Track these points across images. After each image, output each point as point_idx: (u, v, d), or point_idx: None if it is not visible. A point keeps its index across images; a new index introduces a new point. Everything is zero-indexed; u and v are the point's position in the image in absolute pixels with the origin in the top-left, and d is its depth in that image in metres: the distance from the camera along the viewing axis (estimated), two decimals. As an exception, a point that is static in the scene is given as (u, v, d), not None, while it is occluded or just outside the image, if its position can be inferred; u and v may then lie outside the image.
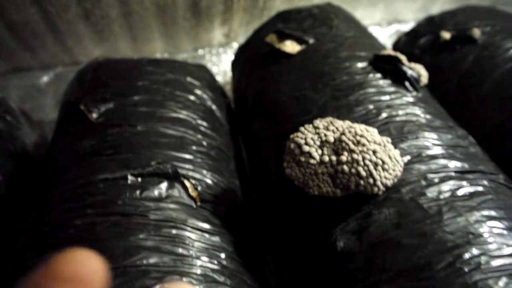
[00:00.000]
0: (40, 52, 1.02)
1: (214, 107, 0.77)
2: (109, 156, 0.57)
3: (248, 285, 0.50)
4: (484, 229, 0.43)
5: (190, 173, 0.59)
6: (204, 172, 0.61)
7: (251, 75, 0.80)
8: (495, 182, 0.50)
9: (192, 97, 0.74)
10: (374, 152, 0.46)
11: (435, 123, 0.58)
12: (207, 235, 0.52)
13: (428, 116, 0.59)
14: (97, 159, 0.57)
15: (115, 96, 0.68)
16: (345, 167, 0.46)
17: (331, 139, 0.49)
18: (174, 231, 0.49)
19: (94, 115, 0.64)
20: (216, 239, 0.53)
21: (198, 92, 0.76)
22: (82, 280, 0.15)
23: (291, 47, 0.74)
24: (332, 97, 0.63)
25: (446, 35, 0.84)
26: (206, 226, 0.53)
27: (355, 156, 0.46)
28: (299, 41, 0.74)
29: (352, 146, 0.47)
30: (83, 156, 0.59)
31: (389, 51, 0.68)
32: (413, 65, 0.66)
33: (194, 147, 0.64)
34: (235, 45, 1.16)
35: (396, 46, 0.94)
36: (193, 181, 0.58)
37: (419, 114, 0.59)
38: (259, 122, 0.73)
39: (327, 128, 0.50)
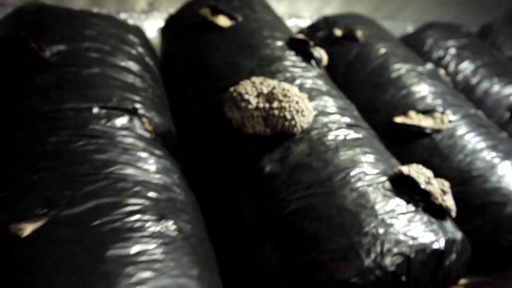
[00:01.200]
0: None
1: (151, 63, 0.87)
2: (70, 90, 0.65)
3: (193, 201, 0.64)
4: (363, 158, 0.64)
5: (142, 112, 0.69)
6: (153, 113, 0.72)
7: (183, 41, 0.92)
8: (369, 133, 0.73)
9: (134, 51, 0.83)
10: (297, 102, 0.64)
11: (332, 92, 0.79)
12: (162, 160, 0.64)
13: (327, 87, 0.79)
14: (59, 91, 0.64)
15: (64, 40, 0.74)
16: (275, 112, 0.63)
17: (265, 91, 0.65)
18: (138, 153, 0.60)
19: (47, 54, 0.70)
20: (167, 163, 0.65)
21: (139, 48, 0.85)
22: None
23: (223, 21, 0.88)
24: (258, 65, 0.79)
25: (338, 32, 1.08)
26: (159, 152, 0.65)
27: (283, 104, 0.64)
28: (230, 17, 0.89)
29: (281, 97, 0.64)
30: (43, 89, 0.64)
31: (301, 35, 0.87)
32: (317, 48, 0.86)
33: (143, 93, 0.74)
34: (156, 15, 1.24)
35: (299, 36, 1.15)
36: (147, 118, 0.69)
37: (321, 84, 0.79)
38: (190, 80, 0.86)
39: (261, 84, 0.67)
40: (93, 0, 1.11)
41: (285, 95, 0.65)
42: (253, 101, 0.65)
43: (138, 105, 0.69)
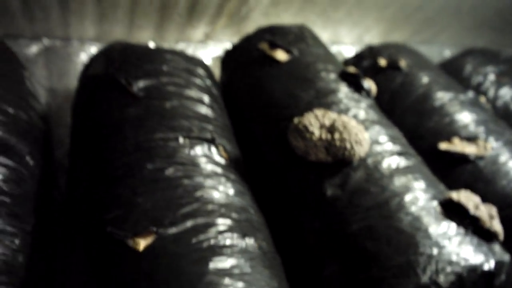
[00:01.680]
0: (37, 23, 1.10)
1: (217, 93, 0.97)
2: (157, 122, 0.75)
3: (264, 221, 0.73)
4: (415, 184, 0.71)
5: (218, 140, 0.79)
6: (224, 141, 0.81)
7: (244, 73, 1.02)
8: (418, 160, 0.80)
9: (203, 84, 0.93)
10: (356, 134, 0.72)
11: (383, 122, 0.86)
12: (236, 184, 0.73)
13: (378, 117, 0.87)
14: (148, 123, 0.74)
15: (146, 75, 0.85)
16: (337, 142, 0.72)
17: (327, 123, 0.74)
18: (218, 178, 0.69)
19: (135, 88, 0.80)
20: (240, 186, 0.74)
21: (207, 81, 0.95)
22: None
23: (281, 55, 0.98)
24: (315, 96, 0.88)
25: (383, 62, 1.16)
26: (234, 177, 0.74)
27: (344, 135, 0.72)
28: (287, 51, 0.98)
29: (341, 129, 0.73)
30: (134, 120, 0.75)
31: (352, 68, 0.95)
32: (367, 80, 0.94)
33: (214, 122, 0.84)
34: (211, 44, 1.36)
35: (345, 65, 1.24)
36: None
37: (373, 114, 0.87)
38: (251, 111, 0.95)
39: (323, 116, 0.75)
40: (156, 31, 1.23)
41: (345, 127, 0.73)
42: (317, 132, 0.73)
43: (213, 134, 0.79)
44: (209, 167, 0.70)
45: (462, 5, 1.49)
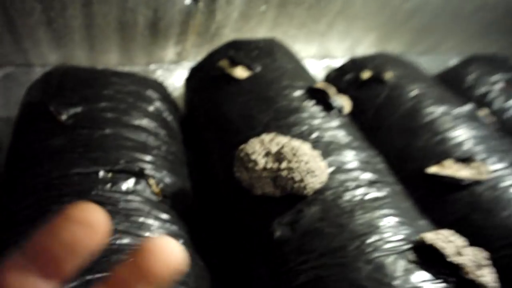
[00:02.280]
0: (-7, 51, 1.04)
1: (170, 118, 0.87)
2: (80, 153, 0.65)
3: (199, 267, 0.61)
4: (382, 222, 0.58)
5: (152, 173, 0.68)
6: (164, 172, 0.70)
7: (204, 94, 0.92)
8: (394, 190, 0.66)
9: (151, 108, 0.83)
10: (307, 162, 0.60)
11: (354, 144, 0.73)
12: (167, 224, 0.62)
13: (348, 138, 0.74)
14: (69, 155, 0.64)
15: (82, 101, 0.75)
16: (284, 173, 0.59)
17: (274, 150, 0.62)
18: (140, 219, 0.58)
19: (63, 117, 0.71)
20: (174, 227, 0.63)
21: (157, 104, 0.85)
22: (93, 225, 0.17)
23: (240, 73, 0.87)
24: (274, 117, 0.76)
25: (365, 75, 1.03)
26: (166, 216, 0.63)
27: (291, 164, 0.60)
28: (248, 67, 0.88)
29: (290, 157, 0.61)
30: (55, 153, 0.65)
31: (321, 84, 0.83)
32: (339, 96, 0.82)
33: (155, 151, 0.73)
34: (185, 64, 1.26)
35: (327, 79, 1.12)
36: (155, 180, 0.67)
37: (342, 136, 0.74)
38: (209, 134, 0.84)
39: (271, 141, 0.63)
40: (122, 54, 1.15)
41: (294, 154, 0.61)
42: (261, 161, 0.61)
43: (147, 165, 0.68)
44: (131, 206, 0.59)
45: (462, 8, 1.35)
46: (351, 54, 1.44)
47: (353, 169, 0.67)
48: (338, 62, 1.44)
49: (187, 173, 0.80)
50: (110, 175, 0.62)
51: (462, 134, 0.86)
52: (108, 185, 0.61)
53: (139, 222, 0.58)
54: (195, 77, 0.98)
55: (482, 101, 1.12)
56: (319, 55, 1.42)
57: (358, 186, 0.63)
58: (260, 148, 0.62)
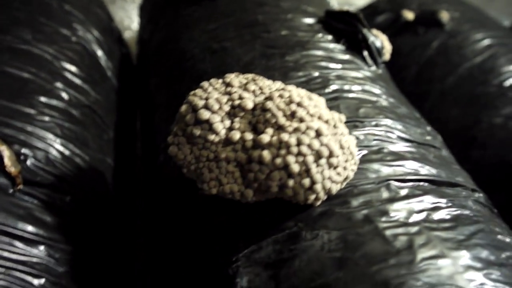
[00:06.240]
0: None
1: (99, 52, 0.54)
2: None
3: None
4: (478, 281, 0.25)
5: (22, 136, 0.36)
6: (51, 137, 0.38)
7: (159, 20, 0.58)
8: (481, 204, 0.34)
9: (65, 31, 0.50)
10: (318, 133, 0.27)
11: (401, 110, 0.41)
12: (20, 244, 0.30)
13: (391, 100, 0.41)
14: None
15: None
16: (266, 154, 0.27)
17: (249, 105, 0.29)
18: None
19: None
20: (38, 251, 0.31)
21: (78, 27, 0.53)
22: None
23: (216, -16, 0.53)
24: (262, 54, 0.43)
25: (409, 15, 0.69)
26: (23, 226, 0.31)
27: (285, 136, 0.27)
28: (229, -22, 0.54)
29: (282, 120, 0.28)
30: None
31: (347, 8, 0.50)
32: (375, 32, 0.49)
33: (42, 98, 0.41)
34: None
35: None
36: (22, 149, 0.35)
37: (380, 94, 0.41)
38: (158, 81, 0.52)
39: (245, 87, 0.30)
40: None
41: (293, 115, 0.28)
42: (220, 125, 0.28)
43: (17, 123, 0.36)
44: None
45: None
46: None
47: (404, 155, 0.34)
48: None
49: (109, 142, 0.47)
50: None
51: None
52: None
53: None
54: (152, -2, 0.64)
55: None
56: (338, 1, 1.07)
57: (416, 191, 0.31)
58: (221, 98, 0.29)
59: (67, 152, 0.39)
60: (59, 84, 0.44)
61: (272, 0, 0.51)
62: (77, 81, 0.46)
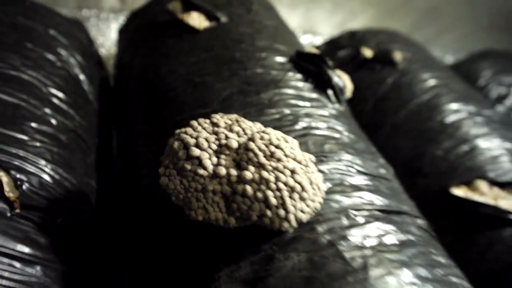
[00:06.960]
0: None
1: (82, 77, 0.57)
2: None
3: None
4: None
5: (17, 162, 0.39)
6: (42, 162, 0.41)
7: (139, 47, 0.62)
8: (422, 229, 0.40)
9: (50, 56, 0.53)
10: (293, 172, 0.32)
11: (359, 145, 0.47)
12: (18, 264, 0.33)
13: (351, 136, 0.48)
14: None
15: None
16: (248, 188, 0.32)
17: (234, 145, 0.34)
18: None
19: None
20: (35, 271, 0.34)
21: (62, 52, 0.56)
22: None
23: (197, 21, 0.58)
24: (240, 90, 0.48)
25: (368, 52, 0.77)
26: (21, 248, 0.34)
27: (265, 174, 0.32)
28: (209, 16, 0.59)
29: (263, 160, 0.33)
30: None
31: (315, 49, 0.56)
32: (339, 73, 0.55)
33: (33, 124, 0.43)
34: (130, 14, 0.95)
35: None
36: (18, 175, 0.38)
37: (342, 131, 0.47)
38: (139, 108, 0.55)
39: (230, 128, 0.35)
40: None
41: (271, 155, 0.33)
42: (208, 162, 0.33)
43: (11, 149, 0.39)
44: None
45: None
46: (341, 31, 1.18)
47: (361, 187, 0.40)
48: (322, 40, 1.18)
49: (93, 166, 0.51)
50: None
51: (499, 145, 0.62)
52: None
53: None
54: (133, 24, 0.68)
55: (499, 104, 0.89)
56: (302, 27, 1.15)
57: (371, 219, 0.37)
58: (210, 138, 0.34)
59: (57, 177, 0.42)
60: (47, 110, 0.46)
61: (249, 38, 0.57)
62: (64, 106, 0.49)
